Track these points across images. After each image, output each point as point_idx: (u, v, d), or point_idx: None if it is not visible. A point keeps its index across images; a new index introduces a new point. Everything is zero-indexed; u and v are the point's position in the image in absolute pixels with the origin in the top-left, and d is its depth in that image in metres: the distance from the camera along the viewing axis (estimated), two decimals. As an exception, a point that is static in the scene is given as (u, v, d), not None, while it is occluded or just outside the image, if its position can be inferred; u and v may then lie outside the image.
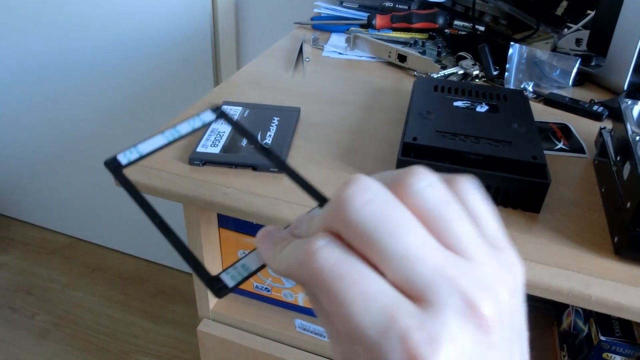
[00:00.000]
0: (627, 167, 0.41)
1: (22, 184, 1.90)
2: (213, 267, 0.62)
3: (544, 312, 0.67)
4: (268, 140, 0.51)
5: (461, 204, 0.21)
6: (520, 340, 0.20)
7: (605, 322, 0.51)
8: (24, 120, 1.71)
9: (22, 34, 1.51)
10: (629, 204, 0.38)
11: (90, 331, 1.59)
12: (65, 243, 1.93)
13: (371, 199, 0.19)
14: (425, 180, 0.20)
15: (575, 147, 0.56)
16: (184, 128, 0.29)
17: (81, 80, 1.51)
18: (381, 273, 0.19)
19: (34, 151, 1.77)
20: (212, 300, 0.65)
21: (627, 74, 0.66)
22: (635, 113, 0.48)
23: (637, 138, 0.43)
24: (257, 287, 0.65)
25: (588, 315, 0.54)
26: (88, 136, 1.64)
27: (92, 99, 1.54)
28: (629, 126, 0.45)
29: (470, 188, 0.22)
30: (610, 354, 0.50)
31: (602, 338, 0.50)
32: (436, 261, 0.18)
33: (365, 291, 0.18)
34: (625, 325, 0.51)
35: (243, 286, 0.65)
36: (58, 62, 1.51)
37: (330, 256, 0.19)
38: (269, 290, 0.64)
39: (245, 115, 0.56)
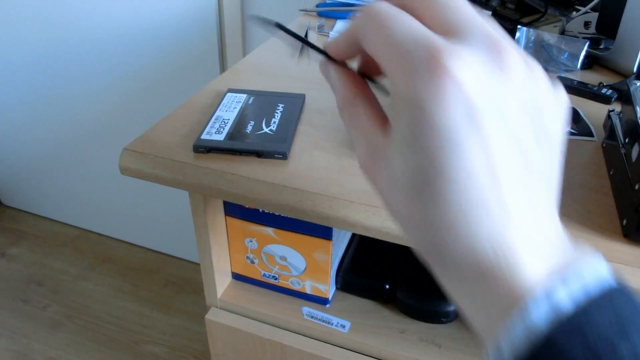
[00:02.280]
0: (635, 149, 0.41)
1: (32, 178, 1.92)
2: (220, 255, 0.63)
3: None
4: (273, 126, 0.51)
5: None
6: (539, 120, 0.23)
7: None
8: (34, 114, 1.71)
9: (29, 24, 1.51)
10: (637, 186, 0.38)
11: (101, 322, 1.61)
12: (76, 235, 1.94)
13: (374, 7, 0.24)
14: None
15: (584, 130, 0.55)
16: None
17: (88, 72, 1.52)
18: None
19: (43, 144, 1.78)
20: (220, 289, 0.65)
21: (637, 56, 0.65)
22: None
23: (646, 119, 0.42)
24: (264, 275, 0.65)
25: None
26: (97, 128, 1.64)
27: (99, 91, 1.54)
28: (638, 108, 0.44)
29: None
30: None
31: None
32: (471, 13, 0.23)
33: (405, 20, 0.22)
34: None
35: (251, 274, 0.66)
36: (65, 54, 1.51)
37: (382, 4, 0.23)
38: (276, 279, 0.64)
39: (250, 102, 0.56)
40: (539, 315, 0.21)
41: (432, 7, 0.23)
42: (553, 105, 0.24)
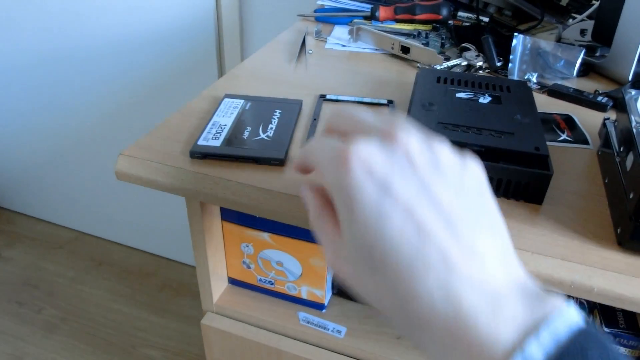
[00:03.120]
0: (630, 158, 0.41)
1: (28, 179, 1.91)
2: (216, 260, 0.63)
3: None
4: (270, 132, 0.51)
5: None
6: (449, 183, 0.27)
7: (609, 313, 0.51)
8: (29, 115, 1.71)
9: (27, 29, 1.51)
10: (631, 195, 0.38)
11: (97, 325, 1.61)
12: (72, 237, 1.94)
13: (347, 107, 0.32)
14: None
15: (579, 138, 0.55)
16: None
17: (85, 75, 1.52)
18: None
19: (39, 146, 1.78)
20: (216, 294, 0.65)
21: (632, 64, 0.66)
22: (637, 103, 0.48)
23: (641, 128, 0.43)
24: (260, 280, 0.65)
25: (592, 307, 0.54)
26: (93, 130, 1.64)
27: (96, 94, 1.54)
28: (632, 117, 0.45)
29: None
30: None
31: (606, 330, 0.49)
32: (372, 122, 0.29)
33: (330, 143, 0.29)
34: (630, 317, 0.51)
35: (247, 279, 0.66)
36: (62, 58, 1.51)
37: (323, 137, 0.31)
38: (272, 284, 0.65)
39: (247, 107, 0.56)
40: None
41: (349, 124, 0.31)
42: (457, 164, 0.28)
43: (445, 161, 0.28)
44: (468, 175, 0.28)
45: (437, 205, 0.26)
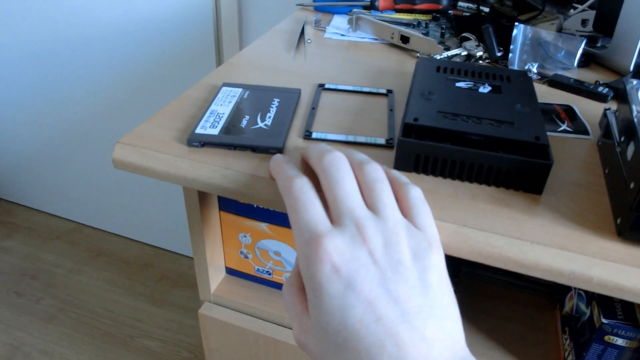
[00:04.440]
0: (631, 148, 0.41)
1: (26, 170, 1.91)
2: (214, 250, 0.62)
3: (547, 296, 0.67)
4: (268, 121, 0.51)
5: (390, 185, 0.36)
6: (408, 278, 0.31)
7: (607, 304, 0.51)
8: (27, 107, 1.71)
9: (23, 19, 1.50)
10: (632, 185, 0.38)
11: (95, 315, 1.61)
12: (70, 228, 1.94)
13: (339, 159, 0.36)
14: (370, 165, 0.36)
15: (580, 128, 0.55)
16: None
17: (83, 65, 1.51)
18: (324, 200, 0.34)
19: (37, 137, 1.77)
20: (214, 284, 0.65)
21: (633, 54, 0.65)
22: (639, 93, 0.47)
23: (642, 118, 0.42)
24: (258, 270, 0.65)
25: (590, 298, 0.54)
26: (91, 121, 1.64)
27: (94, 84, 1.54)
28: (633, 107, 0.44)
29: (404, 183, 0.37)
30: (612, 337, 0.50)
31: (604, 321, 0.49)
32: (353, 203, 0.33)
33: (309, 209, 0.33)
34: (628, 308, 0.51)
35: (245, 269, 0.65)
36: (60, 49, 1.51)
37: (301, 186, 0.34)
38: (270, 274, 0.64)
39: (245, 96, 0.55)
40: None
41: (330, 196, 0.34)
42: (417, 259, 0.32)
43: (405, 258, 0.31)
44: (427, 270, 0.32)
45: (395, 300, 0.30)
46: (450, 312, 0.31)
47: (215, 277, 0.65)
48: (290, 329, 0.62)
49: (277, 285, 0.65)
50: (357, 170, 0.35)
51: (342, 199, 0.33)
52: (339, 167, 0.35)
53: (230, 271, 0.67)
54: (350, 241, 0.31)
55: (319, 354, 0.31)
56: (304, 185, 0.34)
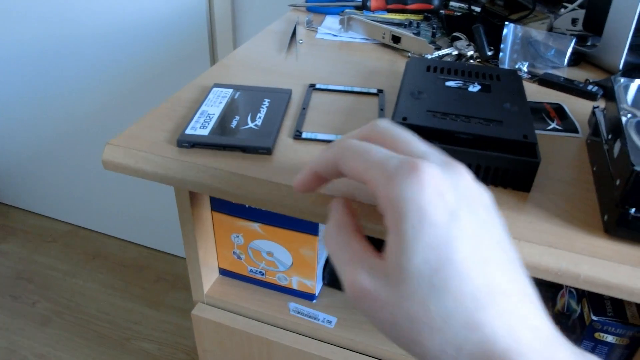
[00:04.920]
0: (617, 145, 0.41)
1: (22, 173, 1.90)
2: (207, 250, 0.62)
3: (539, 294, 0.67)
4: (258, 121, 0.51)
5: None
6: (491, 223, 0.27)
7: (597, 302, 0.51)
8: (23, 109, 1.70)
9: (15, 22, 1.50)
10: (618, 182, 0.38)
11: (91, 318, 1.61)
12: (65, 231, 1.94)
13: (390, 122, 0.31)
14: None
15: (569, 127, 0.55)
16: None
17: (78, 68, 1.51)
18: None
19: (33, 139, 1.77)
20: (207, 285, 0.65)
21: (623, 53, 0.65)
22: (627, 91, 0.48)
23: (628, 116, 0.42)
24: (251, 270, 0.65)
25: (581, 295, 0.54)
26: (88, 123, 1.64)
27: (89, 87, 1.54)
28: (620, 105, 0.44)
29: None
30: (602, 334, 0.50)
31: (594, 318, 0.50)
32: (428, 146, 0.29)
33: (380, 149, 0.28)
34: (617, 305, 0.51)
35: (238, 270, 0.65)
36: (54, 50, 1.50)
37: (358, 140, 0.30)
38: (263, 274, 0.64)
39: (236, 97, 0.55)
40: None
41: (397, 142, 0.29)
42: (495, 212, 0.28)
43: (493, 210, 0.28)
44: (504, 226, 0.29)
45: (499, 245, 0.26)
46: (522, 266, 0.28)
47: (208, 278, 0.65)
48: (284, 329, 0.62)
49: (270, 286, 0.65)
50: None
51: (417, 142, 0.29)
52: (397, 127, 0.31)
53: (224, 272, 0.67)
54: (446, 169, 0.27)
55: (396, 303, 0.26)
56: (356, 140, 0.30)
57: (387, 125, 0.31)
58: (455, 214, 0.25)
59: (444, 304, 0.24)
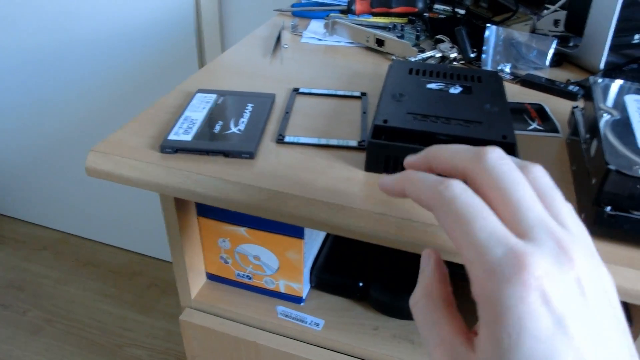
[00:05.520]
0: (594, 144, 0.41)
1: (12, 181, 1.90)
2: (193, 255, 0.63)
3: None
4: (241, 126, 0.51)
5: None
6: (612, 312, 0.23)
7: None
8: (10, 117, 1.70)
9: (2, 31, 1.50)
10: (594, 180, 0.39)
11: (83, 326, 1.60)
12: (56, 238, 1.93)
13: (504, 158, 0.27)
14: (537, 167, 0.28)
15: (550, 127, 0.56)
16: None
17: (66, 76, 1.51)
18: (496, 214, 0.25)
19: (22, 147, 1.76)
20: (194, 290, 0.65)
21: (603, 53, 0.66)
22: (607, 91, 0.48)
23: (605, 115, 0.43)
24: (238, 275, 0.65)
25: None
26: (76, 130, 1.63)
27: (77, 93, 1.53)
28: (597, 104, 0.45)
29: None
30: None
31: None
32: (540, 213, 0.25)
33: (486, 217, 0.24)
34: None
35: (225, 274, 0.66)
36: (40, 59, 1.50)
37: (462, 190, 0.25)
38: (250, 278, 0.65)
39: (219, 102, 0.56)
40: None
41: (505, 201, 0.25)
42: (613, 292, 0.24)
43: (606, 285, 0.24)
44: (616, 297, 0.25)
45: (607, 347, 0.22)
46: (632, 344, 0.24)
47: (195, 283, 0.65)
48: (273, 332, 0.62)
49: (258, 290, 0.65)
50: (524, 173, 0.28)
51: (528, 206, 0.25)
52: (511, 167, 0.26)
53: (211, 276, 0.68)
54: (556, 261, 0.23)
55: None
56: (466, 189, 0.26)
57: (498, 166, 0.26)
58: (561, 324, 0.22)
59: None
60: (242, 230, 0.60)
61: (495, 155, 0.27)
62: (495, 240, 0.23)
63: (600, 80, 0.49)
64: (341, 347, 0.60)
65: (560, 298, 0.22)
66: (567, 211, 0.27)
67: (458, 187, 0.26)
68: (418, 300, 0.28)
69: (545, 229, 0.24)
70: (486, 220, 0.24)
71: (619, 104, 0.45)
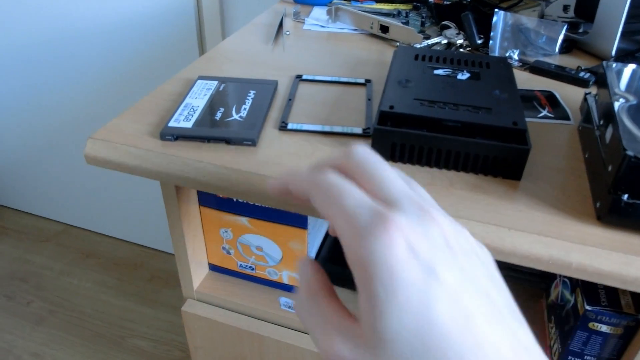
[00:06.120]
0: (609, 131, 0.40)
1: (14, 173, 1.89)
2: (195, 246, 0.61)
3: (533, 285, 0.66)
4: (243, 113, 0.50)
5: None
6: (478, 274, 0.25)
7: (591, 291, 0.51)
8: (11, 109, 1.69)
9: (1, 23, 1.48)
10: (610, 168, 0.37)
11: (86, 317, 1.59)
12: (59, 230, 1.92)
13: (367, 150, 0.29)
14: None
15: (560, 114, 0.54)
16: None
17: (67, 65, 1.49)
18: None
19: (24, 139, 1.76)
20: (196, 281, 0.64)
21: (615, 39, 0.64)
22: (620, 76, 0.47)
23: (620, 100, 0.41)
24: (241, 265, 0.64)
25: (575, 285, 0.53)
26: (78, 122, 1.62)
27: (78, 84, 1.52)
28: (612, 89, 0.44)
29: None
30: (596, 324, 0.50)
31: (588, 307, 0.49)
32: (403, 187, 0.27)
33: (354, 192, 0.26)
34: (611, 294, 0.50)
35: (227, 265, 0.65)
36: (41, 50, 1.49)
37: (334, 174, 0.27)
38: (253, 269, 0.63)
39: (220, 89, 0.54)
40: None
41: (371, 181, 0.27)
42: (480, 251, 0.26)
43: (476, 248, 0.26)
44: (492, 264, 0.27)
45: (483, 294, 0.24)
46: (517, 310, 0.26)
47: (198, 274, 0.64)
48: (275, 324, 0.61)
49: (261, 281, 0.64)
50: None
51: (391, 182, 0.27)
52: (375, 155, 0.29)
53: (214, 267, 0.66)
54: (420, 220, 0.25)
55: None
56: (338, 174, 0.28)
57: (364, 156, 0.29)
58: (431, 270, 0.23)
59: None
60: (244, 220, 0.59)
61: (360, 147, 0.29)
62: (363, 208, 0.25)
63: (614, 65, 0.48)
64: (345, 339, 0.59)
65: (427, 249, 0.24)
66: (425, 192, 0.29)
67: (331, 173, 0.28)
68: (299, 296, 0.28)
69: (408, 198, 0.26)
70: (355, 194, 0.26)
71: (634, 89, 0.44)
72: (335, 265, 0.63)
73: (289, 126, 0.49)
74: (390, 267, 0.23)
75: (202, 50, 1.28)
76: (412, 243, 0.23)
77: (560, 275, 0.60)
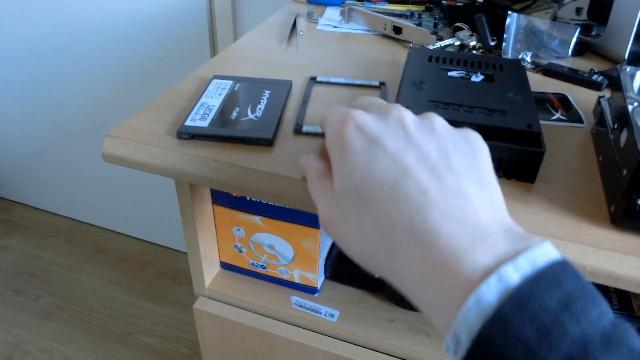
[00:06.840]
0: (624, 134, 0.40)
1: (24, 168, 1.90)
2: (207, 244, 0.62)
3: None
4: (258, 113, 0.50)
5: None
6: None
7: (603, 294, 0.51)
8: (24, 106, 1.70)
9: (15, 17, 1.49)
10: (625, 171, 0.37)
11: (94, 313, 1.61)
12: (68, 226, 1.93)
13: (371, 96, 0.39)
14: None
15: (574, 117, 0.55)
16: None
17: (78, 63, 1.50)
18: None
19: (34, 134, 1.77)
20: (208, 278, 0.65)
21: (628, 42, 0.64)
22: (633, 80, 0.47)
23: (635, 104, 0.42)
24: (252, 264, 0.64)
25: (586, 287, 0.53)
26: (88, 117, 1.63)
27: (89, 80, 1.53)
28: (627, 93, 0.44)
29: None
30: (607, 326, 0.50)
31: (600, 310, 0.49)
32: (381, 101, 0.37)
33: (344, 107, 0.36)
34: (623, 298, 0.50)
35: (239, 263, 0.65)
36: (54, 46, 1.50)
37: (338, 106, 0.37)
38: (264, 268, 0.64)
39: (235, 88, 0.55)
40: (490, 293, 0.23)
41: (367, 105, 0.36)
42: (452, 130, 0.32)
43: (439, 127, 0.32)
44: (464, 140, 0.32)
45: (424, 156, 0.29)
46: (490, 183, 0.30)
47: (209, 272, 0.65)
48: (287, 323, 0.62)
49: (272, 279, 0.65)
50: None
51: (375, 100, 0.37)
52: (371, 97, 0.38)
53: (225, 265, 0.67)
54: (376, 114, 0.33)
55: (341, 223, 0.31)
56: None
57: (367, 97, 0.38)
58: (375, 141, 0.30)
59: (370, 212, 0.29)
60: (257, 219, 0.59)
61: (369, 96, 0.39)
62: (340, 110, 0.34)
63: (627, 68, 0.48)
64: (356, 339, 0.59)
65: (374, 127, 0.31)
66: (404, 109, 0.35)
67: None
68: (310, 181, 0.36)
69: (378, 106, 0.35)
70: (341, 108, 0.35)
71: (649, 93, 0.44)
72: (346, 264, 0.63)
73: (304, 129, 0.49)
74: (343, 140, 0.32)
75: (213, 49, 1.29)
76: (361, 123, 0.32)
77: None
